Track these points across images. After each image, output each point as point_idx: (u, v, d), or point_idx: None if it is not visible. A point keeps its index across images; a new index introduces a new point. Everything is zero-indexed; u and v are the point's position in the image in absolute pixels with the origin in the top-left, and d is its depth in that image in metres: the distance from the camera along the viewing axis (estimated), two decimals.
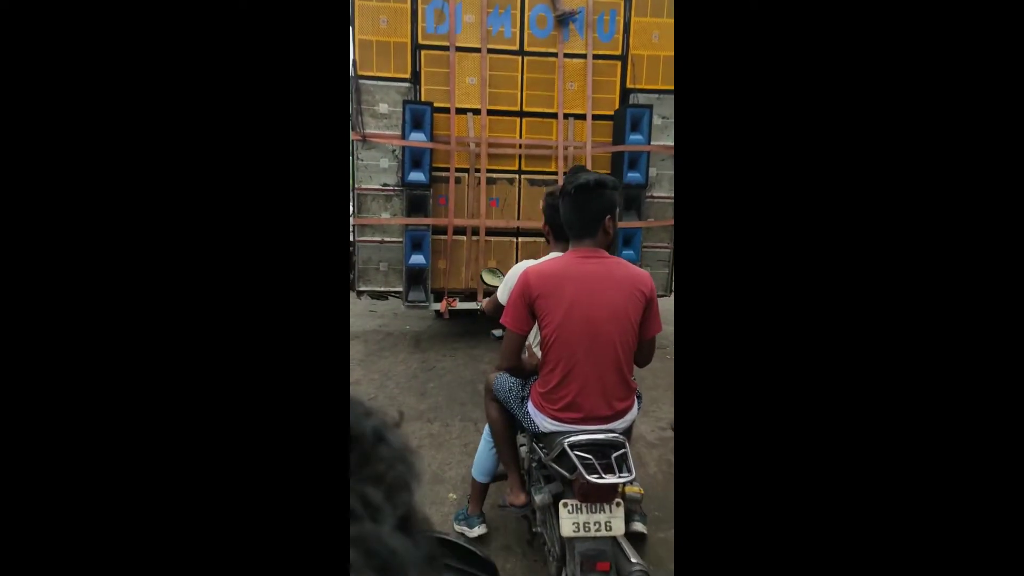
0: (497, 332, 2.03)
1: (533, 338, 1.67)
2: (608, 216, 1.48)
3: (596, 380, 1.45)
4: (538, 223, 4.07)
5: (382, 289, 4.11)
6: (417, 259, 3.92)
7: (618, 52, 4.03)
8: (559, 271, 1.47)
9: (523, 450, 1.90)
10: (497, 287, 2.03)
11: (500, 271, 2.31)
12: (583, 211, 1.48)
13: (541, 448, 1.59)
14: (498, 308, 1.86)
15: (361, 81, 3.78)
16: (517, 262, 4.23)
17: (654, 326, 1.54)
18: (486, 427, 1.94)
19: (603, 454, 1.40)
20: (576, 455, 1.39)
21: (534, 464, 1.75)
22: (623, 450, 1.42)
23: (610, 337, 1.43)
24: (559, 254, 1.72)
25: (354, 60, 3.78)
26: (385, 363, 3.89)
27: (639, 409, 1.62)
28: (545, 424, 1.52)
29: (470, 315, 4.23)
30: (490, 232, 4.09)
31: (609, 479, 1.35)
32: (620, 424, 1.50)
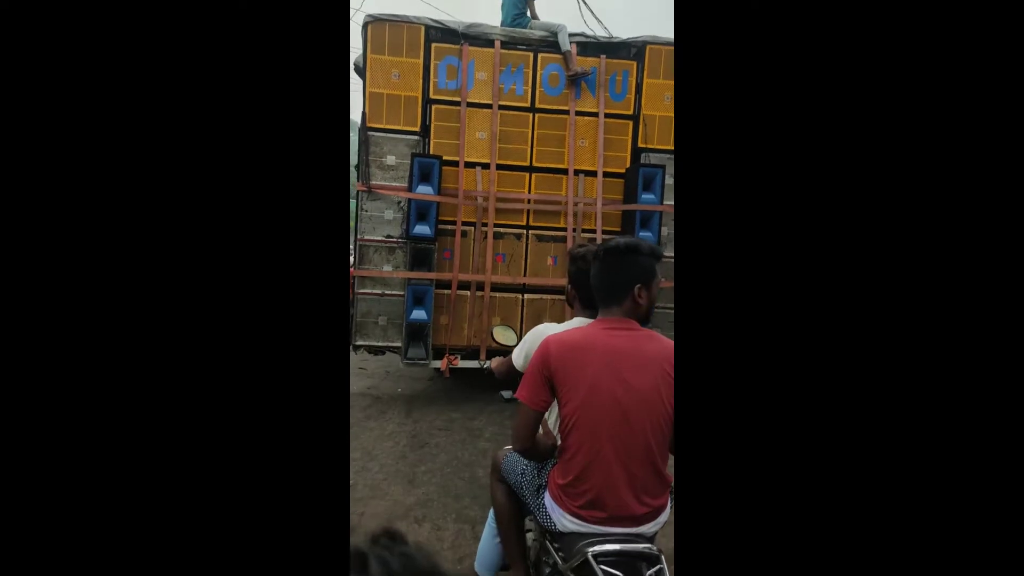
0: (507, 393, 1.87)
1: (550, 415, 1.47)
2: (640, 284, 1.29)
3: (623, 473, 1.22)
4: (545, 279, 3.98)
5: (380, 344, 3.92)
6: (419, 314, 3.75)
7: (630, 112, 4.01)
8: (582, 342, 1.27)
9: (530, 536, 1.64)
10: (509, 346, 1.83)
11: (512, 328, 2.13)
12: (610, 275, 1.32)
13: (557, 551, 1.33)
14: (511, 371, 1.68)
15: (370, 133, 3.75)
16: (522, 320, 4.13)
17: None
18: (490, 512, 1.69)
19: (634, 569, 1.16)
20: (602, 569, 1.15)
21: (547, 570, 1.47)
22: (659, 566, 1.18)
23: (640, 423, 1.22)
24: (585, 321, 1.53)
25: (363, 112, 3.76)
26: (370, 437, 3.35)
27: (673, 504, 1.37)
28: (564, 522, 1.28)
29: (469, 375, 4.00)
30: (495, 288, 3.94)
31: None
32: (652, 526, 1.27)
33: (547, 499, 1.34)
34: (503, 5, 4.26)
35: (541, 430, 1.36)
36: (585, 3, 5.06)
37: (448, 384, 4.41)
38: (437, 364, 3.90)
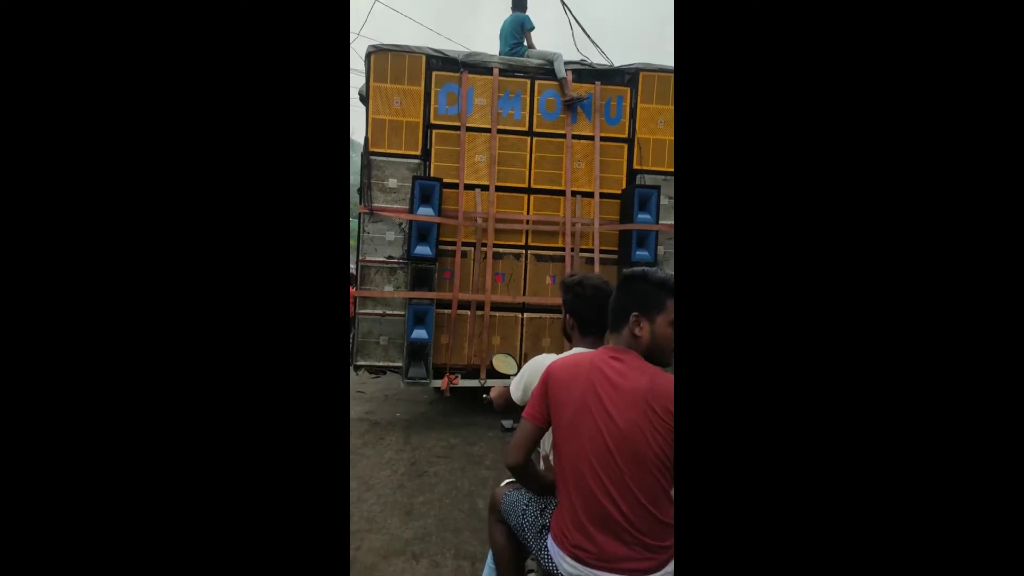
0: (507, 423, 1.72)
1: (547, 445, 1.43)
2: (637, 313, 1.21)
3: (612, 509, 1.12)
4: (544, 298, 4.04)
5: (381, 364, 3.95)
6: (420, 333, 3.80)
7: (625, 135, 4.13)
8: (576, 366, 1.23)
9: None
10: (509, 375, 1.79)
11: (512, 357, 2.11)
12: (615, 301, 1.28)
13: None
14: (508, 403, 1.62)
15: (372, 157, 3.86)
16: (522, 338, 4.17)
17: None
18: (489, 554, 1.61)
19: None
20: None
21: None
22: None
23: (624, 460, 1.12)
24: (584, 351, 1.44)
25: (366, 137, 3.87)
26: (367, 465, 3.25)
27: None
28: (564, 565, 1.19)
29: (469, 396, 4.01)
30: (495, 307, 3.99)
31: None
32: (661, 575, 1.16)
33: (550, 542, 1.24)
34: (501, 35, 4.43)
35: (543, 465, 1.30)
36: (583, 31, 5.23)
37: (447, 407, 4.40)
38: (438, 383, 3.93)
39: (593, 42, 5.21)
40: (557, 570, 1.21)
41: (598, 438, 1.13)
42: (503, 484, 1.55)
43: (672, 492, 1.14)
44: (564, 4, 4.79)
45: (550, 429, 1.25)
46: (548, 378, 1.23)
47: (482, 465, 3.33)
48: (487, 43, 4.69)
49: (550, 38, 4.60)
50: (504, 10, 4.58)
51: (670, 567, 1.14)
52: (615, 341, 1.25)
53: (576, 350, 1.48)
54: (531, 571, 1.57)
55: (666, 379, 1.15)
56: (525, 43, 4.34)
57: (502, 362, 2.06)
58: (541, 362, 1.53)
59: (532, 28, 4.39)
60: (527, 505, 1.37)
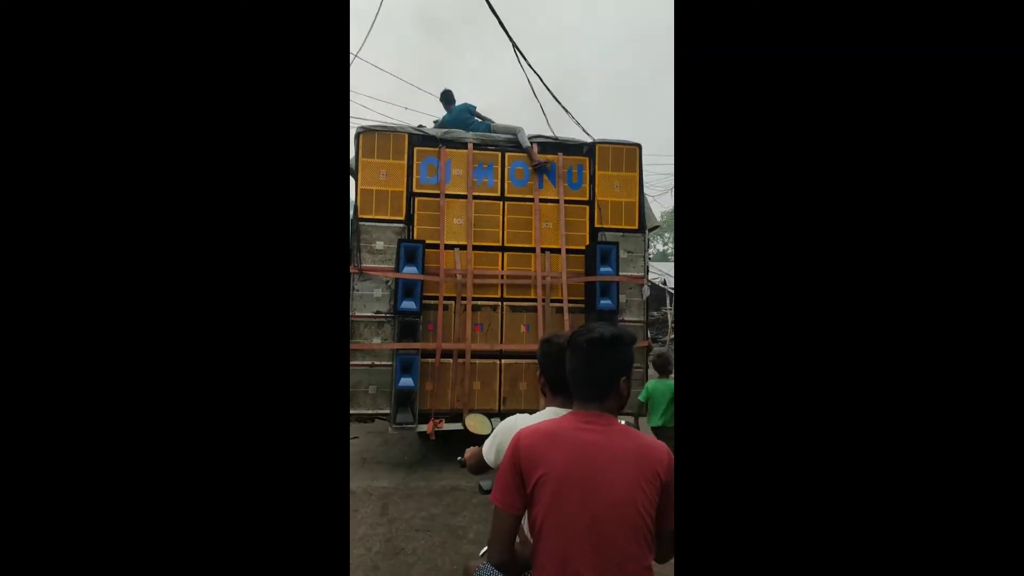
0: (486, 484, 1.64)
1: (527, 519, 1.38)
2: (624, 377, 1.21)
3: None
4: (519, 345, 4.43)
5: (370, 412, 4.24)
6: (406, 381, 4.13)
7: (586, 198, 4.68)
8: (552, 437, 1.15)
9: None
10: (482, 436, 1.72)
11: (486, 417, 2.10)
12: (593, 369, 1.20)
13: None
14: (482, 465, 1.60)
15: (361, 223, 4.29)
16: (500, 383, 4.53)
17: (672, 517, 1.10)
18: None
19: None
20: None
21: None
22: None
23: (611, 531, 1.07)
24: (558, 411, 1.42)
25: (355, 206, 4.32)
26: None
27: None
28: None
29: (453, 444, 4.17)
30: (475, 355, 4.37)
31: None
32: None
33: None
34: (452, 113, 5.09)
35: (518, 539, 1.21)
36: (566, 109, 5.89)
37: (429, 471, 4.24)
38: (423, 428, 4.22)
39: (577, 123, 5.88)
40: None
41: (584, 513, 1.08)
42: (480, 554, 1.56)
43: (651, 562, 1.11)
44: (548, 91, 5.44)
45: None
46: (518, 455, 1.14)
47: (465, 539, 3.01)
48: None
49: (522, 116, 5.24)
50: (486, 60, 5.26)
51: None
52: (597, 407, 1.19)
53: (549, 410, 1.47)
54: None
55: (651, 441, 1.16)
56: (476, 118, 5.00)
57: (476, 422, 2.01)
58: (513, 424, 1.49)
59: (475, 106, 5.11)
60: None
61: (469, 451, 1.71)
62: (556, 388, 1.49)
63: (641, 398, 3.75)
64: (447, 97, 5.39)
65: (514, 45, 4.68)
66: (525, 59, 4.94)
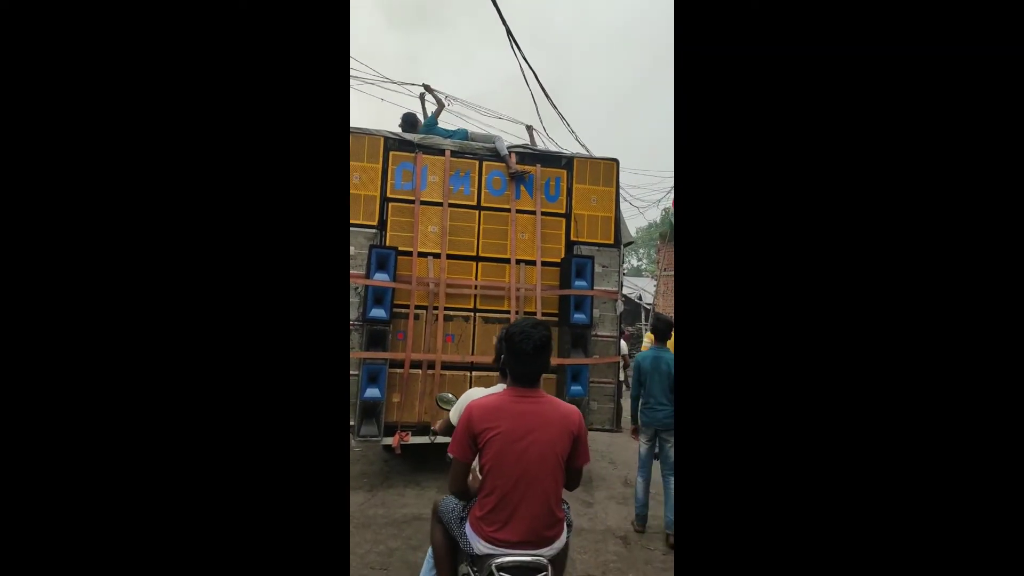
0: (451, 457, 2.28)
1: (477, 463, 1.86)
2: (545, 374, 1.79)
3: (526, 511, 1.63)
4: (491, 358, 4.29)
5: None
6: (372, 392, 3.98)
7: (563, 211, 4.64)
8: (497, 407, 1.69)
9: None
10: (450, 409, 2.34)
11: (455, 397, 2.56)
12: (524, 366, 1.72)
13: (475, 571, 1.73)
14: (449, 427, 2.17)
15: None
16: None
17: (581, 458, 1.75)
18: (429, 550, 2.02)
19: (525, 573, 1.60)
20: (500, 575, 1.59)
21: None
22: (544, 572, 1.63)
23: (539, 474, 1.63)
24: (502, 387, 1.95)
25: None
26: None
27: (568, 535, 1.81)
28: (479, 546, 1.68)
29: (421, 457, 4.12)
30: (445, 366, 4.25)
31: None
32: (548, 551, 1.68)
33: (468, 528, 1.73)
34: (423, 127, 4.93)
35: (470, 476, 1.78)
36: (561, 117, 5.86)
37: (390, 496, 3.96)
38: (388, 441, 4.07)
39: (576, 138, 5.86)
40: (473, 550, 1.69)
41: (521, 462, 1.63)
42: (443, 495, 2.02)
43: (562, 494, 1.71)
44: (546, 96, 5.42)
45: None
46: (471, 422, 1.66)
47: None
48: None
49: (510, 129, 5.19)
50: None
51: (557, 543, 1.69)
52: (535, 385, 1.75)
53: (500, 386, 2.06)
54: (465, 574, 1.92)
55: (567, 408, 1.75)
56: (437, 123, 4.92)
57: (444, 400, 2.56)
58: (472, 393, 2.22)
59: (434, 120, 4.98)
60: (455, 503, 1.89)
61: (438, 422, 2.40)
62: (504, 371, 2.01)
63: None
64: (409, 120, 4.90)
65: (509, 33, 4.65)
66: (517, 45, 4.91)
